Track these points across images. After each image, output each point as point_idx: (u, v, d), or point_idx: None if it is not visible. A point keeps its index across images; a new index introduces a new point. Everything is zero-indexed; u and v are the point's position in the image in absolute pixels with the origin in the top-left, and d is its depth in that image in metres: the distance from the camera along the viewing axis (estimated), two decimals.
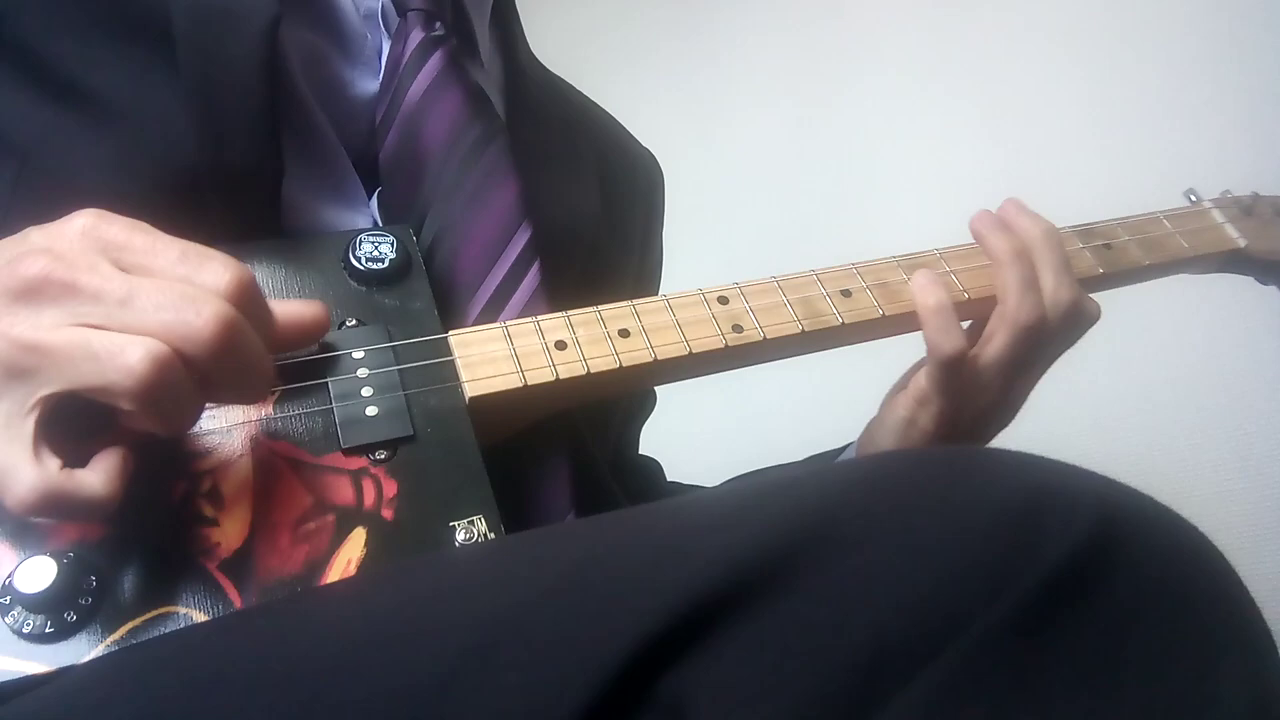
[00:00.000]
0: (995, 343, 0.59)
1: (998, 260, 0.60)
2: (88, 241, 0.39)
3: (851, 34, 1.62)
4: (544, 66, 0.74)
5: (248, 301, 0.40)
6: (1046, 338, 0.60)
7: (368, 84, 0.59)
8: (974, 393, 0.60)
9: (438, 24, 0.58)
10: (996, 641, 0.29)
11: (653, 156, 0.77)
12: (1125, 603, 0.30)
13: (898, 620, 0.29)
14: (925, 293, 0.59)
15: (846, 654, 0.29)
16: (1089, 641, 0.30)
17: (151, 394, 0.37)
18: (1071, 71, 1.40)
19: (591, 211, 0.65)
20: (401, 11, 0.58)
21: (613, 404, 0.65)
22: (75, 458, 0.38)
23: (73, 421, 0.38)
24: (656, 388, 0.74)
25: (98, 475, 0.38)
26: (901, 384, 0.64)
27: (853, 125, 1.57)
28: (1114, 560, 0.31)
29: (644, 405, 0.74)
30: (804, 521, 0.33)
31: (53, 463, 0.37)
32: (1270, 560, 1.13)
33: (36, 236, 0.40)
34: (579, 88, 0.76)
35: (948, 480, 0.34)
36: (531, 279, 0.55)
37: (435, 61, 0.57)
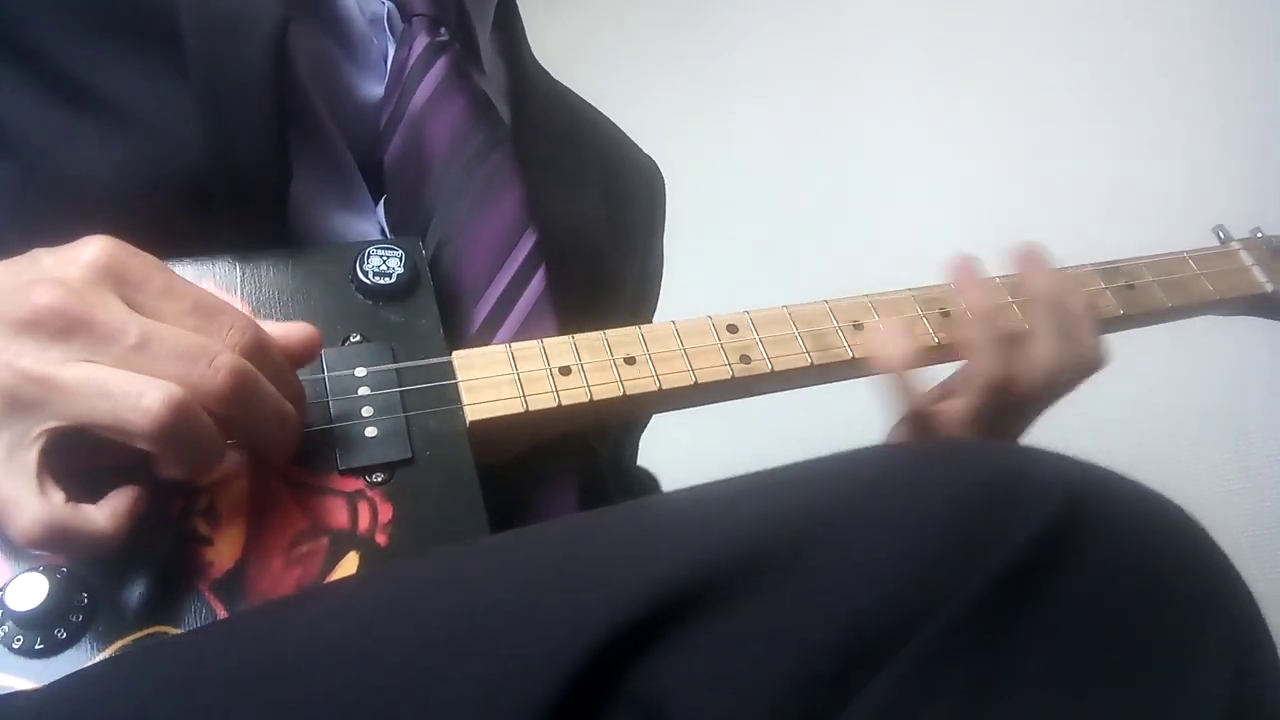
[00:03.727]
0: (957, 401, 0.57)
1: (965, 317, 0.58)
2: (100, 274, 0.38)
3: (862, 42, 1.59)
4: (547, 72, 0.74)
5: (258, 360, 0.41)
6: (1027, 395, 0.58)
7: (373, 89, 0.58)
8: None
9: (442, 30, 0.58)
10: (962, 631, 0.29)
11: (655, 164, 0.77)
12: (1094, 587, 0.30)
13: (866, 609, 0.29)
14: (887, 352, 0.56)
15: (817, 644, 0.29)
16: (1060, 624, 0.29)
17: (172, 437, 0.37)
18: (1094, 85, 1.37)
19: (596, 217, 0.65)
20: (406, 17, 0.58)
21: None
22: (81, 493, 0.38)
23: (78, 457, 0.38)
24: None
25: (104, 512, 0.38)
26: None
27: (860, 133, 1.54)
28: (1081, 543, 0.30)
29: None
30: (773, 516, 0.33)
31: (57, 495, 0.37)
32: (1270, 561, 1.12)
33: (48, 262, 0.39)
34: (578, 90, 0.75)
35: (916, 471, 0.34)
36: (536, 285, 0.55)
37: (440, 67, 0.56)
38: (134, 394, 0.36)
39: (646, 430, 0.74)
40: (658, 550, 0.33)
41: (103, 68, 0.49)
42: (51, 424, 0.37)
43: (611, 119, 0.76)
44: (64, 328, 0.37)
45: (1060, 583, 0.30)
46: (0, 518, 0.37)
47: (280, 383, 0.42)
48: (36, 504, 0.36)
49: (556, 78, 0.75)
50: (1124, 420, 1.20)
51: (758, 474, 0.38)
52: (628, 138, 0.76)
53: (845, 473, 0.36)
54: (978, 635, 0.29)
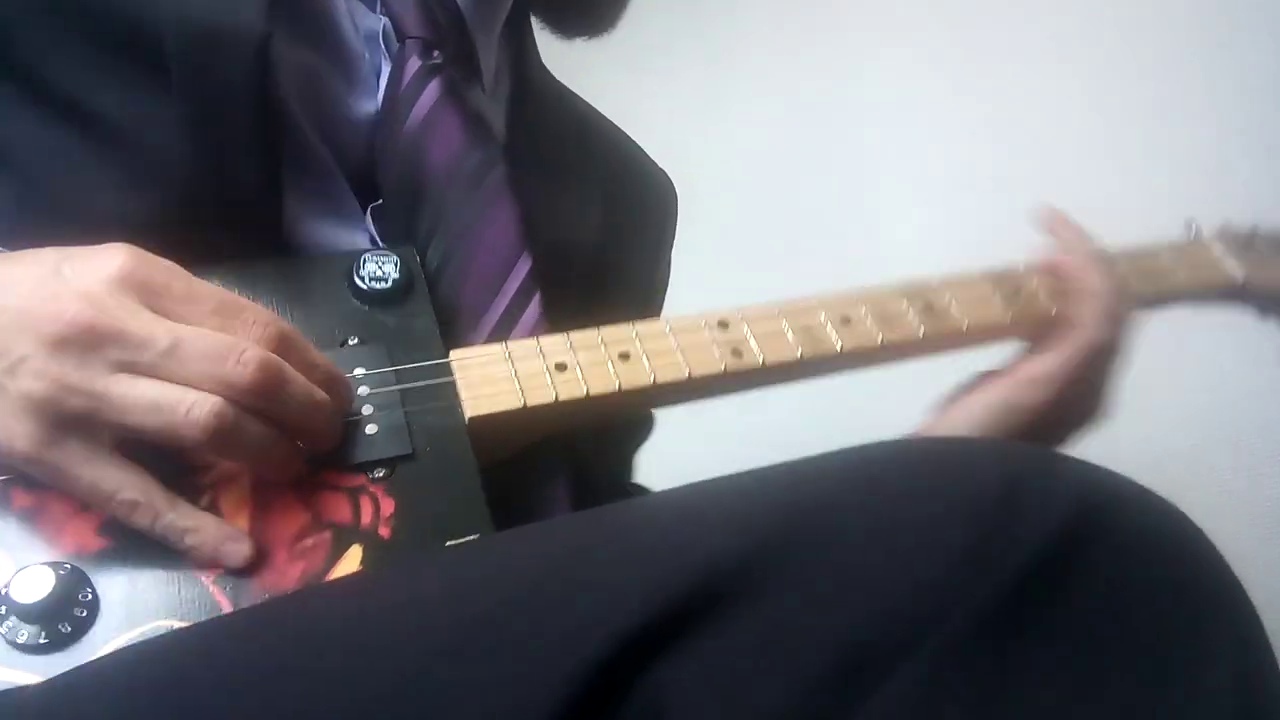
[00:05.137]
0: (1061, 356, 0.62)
1: (1090, 292, 0.63)
2: (124, 285, 0.40)
3: (855, 44, 1.61)
4: (558, 82, 0.73)
5: (283, 351, 0.43)
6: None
7: (366, 105, 0.59)
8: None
9: (435, 53, 0.58)
10: (974, 635, 0.29)
11: (668, 179, 0.76)
12: (1105, 592, 0.30)
13: (875, 615, 0.29)
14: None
15: (824, 651, 0.29)
16: (1069, 633, 0.29)
17: (223, 441, 0.40)
18: (1075, 84, 1.40)
19: (592, 232, 0.65)
20: (400, 38, 0.58)
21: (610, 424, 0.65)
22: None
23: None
24: (655, 413, 0.74)
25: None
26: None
27: (852, 134, 1.55)
28: (1093, 548, 0.31)
29: (640, 427, 0.73)
30: (780, 516, 0.33)
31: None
32: (1270, 562, 1.11)
33: (68, 271, 0.41)
34: (579, 89, 0.74)
35: (922, 471, 0.34)
36: (533, 310, 0.55)
37: (432, 90, 0.57)
38: (181, 408, 0.39)
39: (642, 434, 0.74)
40: (665, 552, 0.33)
41: (92, 86, 0.50)
42: (110, 429, 0.40)
43: (625, 131, 0.75)
44: (98, 340, 0.39)
45: (1073, 589, 0.30)
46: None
47: (309, 371, 0.44)
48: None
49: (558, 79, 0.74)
50: (1123, 422, 1.20)
51: (765, 470, 0.38)
52: (641, 150, 0.75)
53: (856, 471, 0.36)
54: (990, 642, 0.29)
